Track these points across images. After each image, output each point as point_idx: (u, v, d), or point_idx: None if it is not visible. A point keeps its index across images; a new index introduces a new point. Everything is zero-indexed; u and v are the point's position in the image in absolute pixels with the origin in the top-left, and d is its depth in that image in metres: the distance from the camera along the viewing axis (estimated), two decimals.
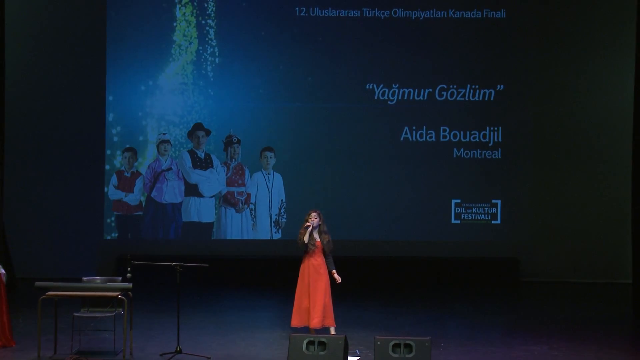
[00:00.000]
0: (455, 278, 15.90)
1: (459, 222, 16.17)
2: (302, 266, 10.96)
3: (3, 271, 10.49)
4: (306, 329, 10.77)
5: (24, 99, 15.94)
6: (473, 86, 16.15)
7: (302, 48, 16.15)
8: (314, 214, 10.95)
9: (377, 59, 16.15)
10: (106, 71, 15.97)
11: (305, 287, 10.86)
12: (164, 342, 10.68)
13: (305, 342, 9.12)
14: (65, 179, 16.05)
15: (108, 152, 16.01)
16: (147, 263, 10.46)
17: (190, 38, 16.03)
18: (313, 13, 16.11)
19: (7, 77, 14.75)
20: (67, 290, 9.93)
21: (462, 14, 16.12)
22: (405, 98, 16.18)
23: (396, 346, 9.02)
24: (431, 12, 16.10)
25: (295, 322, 10.89)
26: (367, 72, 16.16)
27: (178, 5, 16.02)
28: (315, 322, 10.75)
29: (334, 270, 10.96)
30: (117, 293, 9.86)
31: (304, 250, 10.94)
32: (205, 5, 16.02)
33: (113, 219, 16.04)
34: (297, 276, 10.97)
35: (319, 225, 10.95)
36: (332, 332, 10.78)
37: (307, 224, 10.88)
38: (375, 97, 16.17)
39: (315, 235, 10.93)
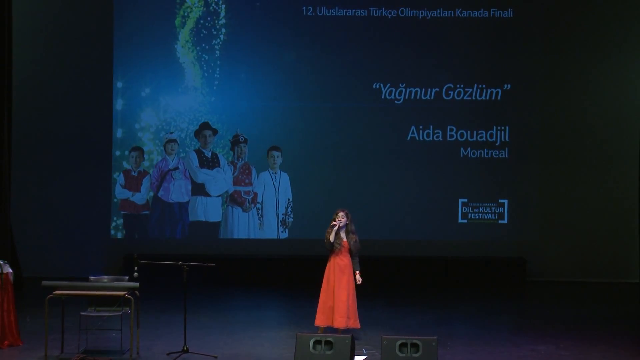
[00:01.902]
0: (462, 277, 15.89)
1: (465, 221, 16.16)
2: (327, 266, 10.91)
3: (10, 270, 10.51)
4: (326, 329, 10.76)
5: (31, 98, 15.96)
6: (480, 85, 16.14)
7: (309, 47, 16.14)
8: (341, 213, 10.86)
9: (384, 58, 16.14)
10: (113, 70, 16.00)
11: (331, 286, 10.81)
12: (171, 341, 10.69)
13: (312, 342, 9.12)
14: (72, 178, 16.07)
15: (115, 152, 16.02)
16: (154, 262, 10.47)
17: (198, 37, 16.04)
18: (320, 12, 16.11)
19: (14, 76, 14.78)
20: (74, 290, 9.95)
21: (469, 13, 16.11)
22: (412, 97, 16.17)
23: (403, 345, 9.03)
24: (438, 11, 16.09)
25: (320, 321, 10.86)
26: (374, 72, 16.15)
27: (185, 5, 16.03)
28: (338, 322, 10.73)
29: (358, 272, 10.91)
30: (124, 292, 9.88)
31: (330, 250, 10.87)
32: (213, 4, 16.03)
33: (120, 218, 16.07)
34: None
35: (347, 225, 10.87)
36: (340, 332, 10.76)
37: (334, 222, 10.80)
38: (382, 97, 16.16)
39: (343, 235, 10.86)
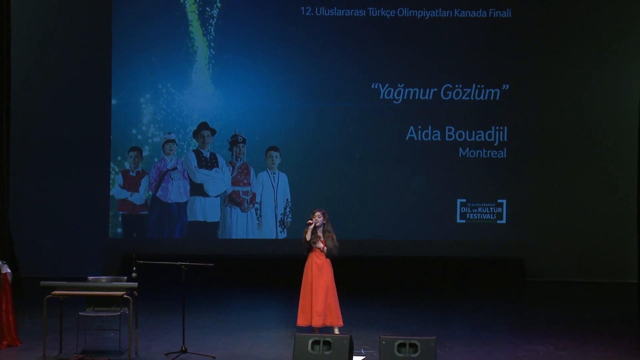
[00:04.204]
0: (461, 278, 15.89)
1: (464, 221, 16.16)
2: (305, 265, 10.98)
3: (9, 270, 10.51)
4: (312, 328, 10.78)
5: (29, 99, 15.96)
6: (478, 86, 16.14)
7: (307, 47, 16.15)
8: (317, 213, 10.96)
9: (383, 58, 16.15)
10: (112, 70, 16.00)
11: (309, 286, 10.87)
12: (169, 342, 10.69)
13: (310, 342, 9.13)
14: (70, 179, 16.07)
15: (113, 152, 16.02)
16: (152, 262, 10.47)
17: (196, 37, 16.04)
18: (319, 12, 16.11)
19: (13, 77, 14.77)
20: (73, 290, 9.94)
21: (468, 13, 16.11)
22: (411, 97, 16.17)
23: (401, 346, 9.03)
24: (437, 11, 16.09)
25: (301, 321, 10.91)
26: (373, 72, 16.16)
27: (183, 5, 16.02)
28: (315, 320, 10.76)
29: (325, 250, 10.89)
30: (123, 292, 9.87)
31: (308, 249, 10.95)
32: (211, 5, 16.02)
33: (119, 218, 16.06)
34: (302, 276, 10.98)
35: (323, 224, 10.94)
36: (336, 331, 10.78)
37: (310, 221, 10.88)
38: (381, 97, 16.17)
39: (320, 234, 10.93)
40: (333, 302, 10.92)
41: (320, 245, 10.89)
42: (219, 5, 16.03)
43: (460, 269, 16.00)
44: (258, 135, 16.14)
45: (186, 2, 16.04)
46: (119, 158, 16.04)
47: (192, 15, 16.05)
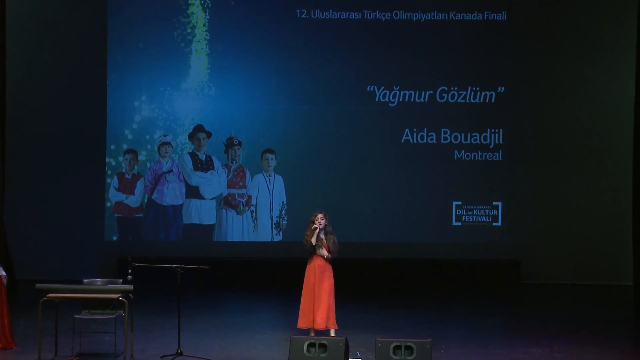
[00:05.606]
0: (456, 280, 15.90)
1: (459, 224, 16.17)
2: (307, 268, 10.90)
3: (4, 273, 10.50)
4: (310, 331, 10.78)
5: (25, 100, 15.93)
6: (474, 88, 16.15)
7: (303, 50, 16.14)
8: (320, 215, 10.86)
9: (378, 61, 16.15)
10: (107, 72, 15.98)
11: (311, 288, 10.82)
12: (165, 344, 10.68)
13: (306, 344, 9.13)
14: (65, 181, 16.04)
15: (109, 154, 16.01)
16: (147, 265, 10.47)
17: (191, 40, 16.03)
18: (314, 15, 16.11)
19: (8, 78, 14.75)
20: (68, 292, 9.94)
21: (463, 16, 16.12)
22: (406, 100, 16.17)
23: (397, 348, 9.04)
24: (432, 14, 16.10)
25: (302, 323, 10.86)
26: (368, 74, 16.16)
27: (180, 8, 16.01)
28: (319, 323, 10.74)
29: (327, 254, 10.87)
30: (118, 295, 9.87)
31: (310, 252, 10.89)
32: (206, 7, 16.02)
33: (114, 221, 16.04)
34: (298, 278, 10.96)
35: (325, 226, 10.90)
36: (332, 334, 10.78)
37: (315, 225, 10.81)
38: (376, 99, 16.17)
39: (322, 236, 10.88)
40: (332, 306, 10.90)
41: (324, 253, 10.80)
42: (214, 8, 16.01)
43: (455, 271, 16.00)
44: (253, 138, 16.13)
45: (182, 5, 16.02)
46: (114, 161, 16.02)
47: (189, 18, 16.03)
